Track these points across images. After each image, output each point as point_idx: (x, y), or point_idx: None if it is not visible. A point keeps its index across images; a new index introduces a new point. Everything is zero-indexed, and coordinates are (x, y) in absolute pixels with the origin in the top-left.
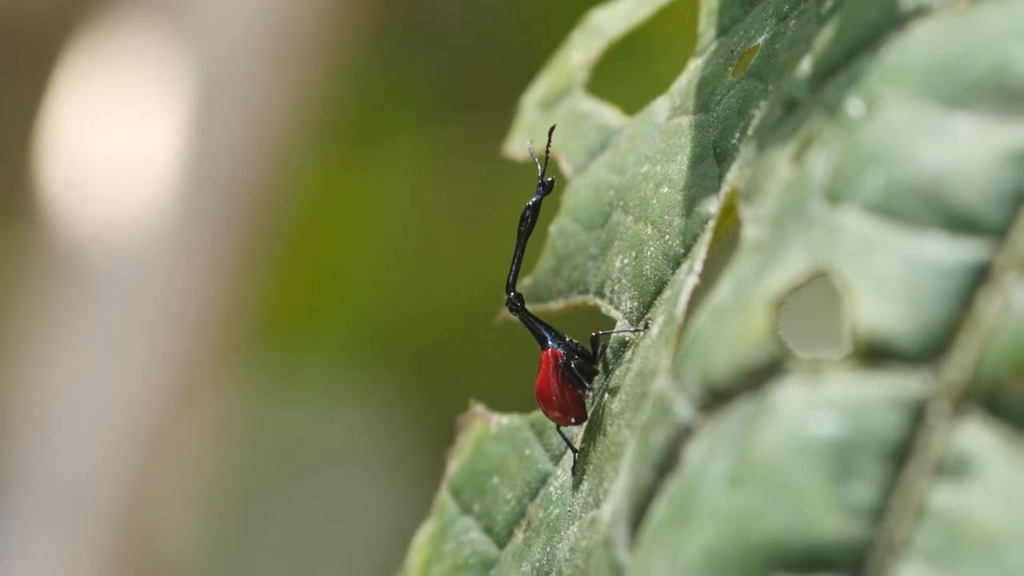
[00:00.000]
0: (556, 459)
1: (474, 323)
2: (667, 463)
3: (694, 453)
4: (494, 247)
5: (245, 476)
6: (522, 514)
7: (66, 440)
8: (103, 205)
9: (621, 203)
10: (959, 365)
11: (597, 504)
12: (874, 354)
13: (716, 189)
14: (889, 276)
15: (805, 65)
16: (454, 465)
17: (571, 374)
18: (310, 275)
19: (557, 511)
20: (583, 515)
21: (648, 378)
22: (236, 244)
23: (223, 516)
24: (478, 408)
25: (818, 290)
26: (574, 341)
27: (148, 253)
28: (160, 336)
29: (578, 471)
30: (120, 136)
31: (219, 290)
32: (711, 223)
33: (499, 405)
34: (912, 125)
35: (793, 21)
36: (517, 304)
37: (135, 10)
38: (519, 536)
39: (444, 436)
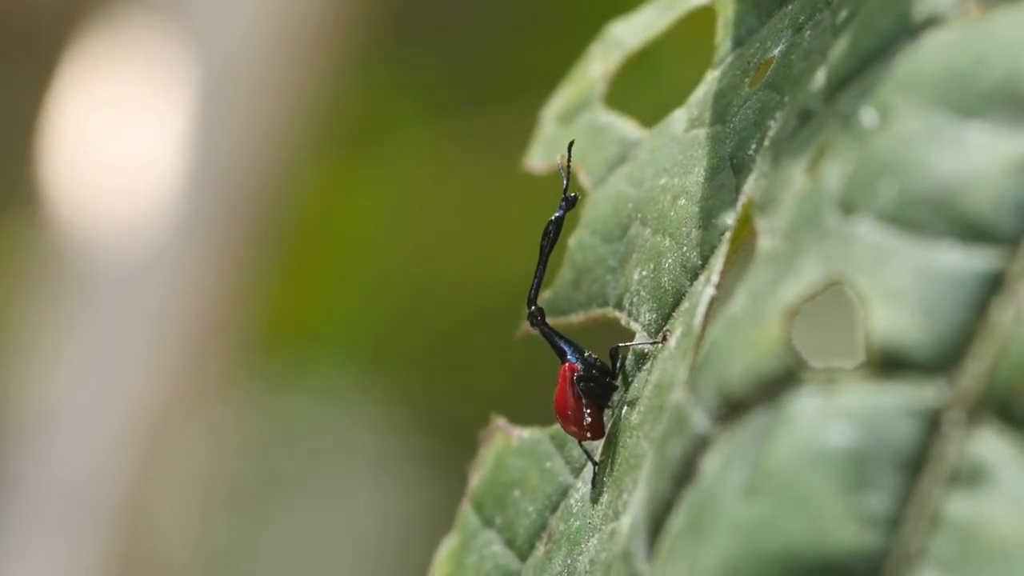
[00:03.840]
0: (577, 472)
1: (475, 323)
2: (684, 474)
3: (710, 464)
4: (496, 247)
5: (245, 476)
6: (543, 527)
7: (66, 440)
8: (105, 206)
9: (639, 215)
10: (973, 374)
11: (616, 516)
12: (888, 364)
13: (733, 201)
14: (903, 286)
15: (820, 76)
16: (475, 479)
17: (588, 389)
18: (311, 275)
19: (578, 523)
20: (603, 527)
21: (666, 390)
22: (238, 244)
23: (223, 516)
24: (499, 422)
25: (832, 300)
26: (593, 356)
27: (150, 253)
28: (161, 336)
29: (598, 483)
30: (123, 137)
31: (220, 290)
32: (728, 234)
33: (500, 406)
34: (925, 135)
35: (808, 32)
36: (538, 318)
37: (138, 10)
38: (540, 549)
39: (444, 437)
